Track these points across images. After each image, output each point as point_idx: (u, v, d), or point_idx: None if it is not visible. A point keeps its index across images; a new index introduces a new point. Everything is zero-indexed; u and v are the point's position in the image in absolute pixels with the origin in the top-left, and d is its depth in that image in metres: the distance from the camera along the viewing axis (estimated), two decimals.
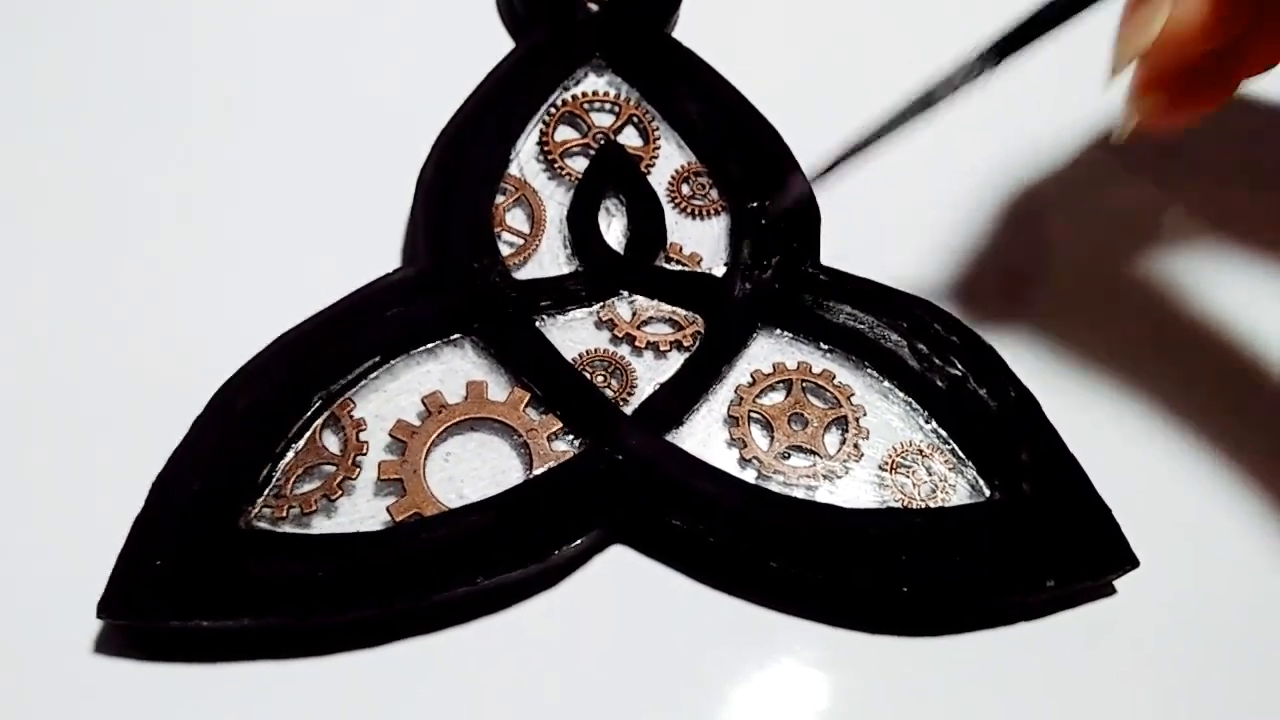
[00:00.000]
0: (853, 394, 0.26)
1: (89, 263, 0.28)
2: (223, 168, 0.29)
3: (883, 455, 0.25)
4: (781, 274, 0.27)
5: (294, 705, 0.22)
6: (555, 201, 0.29)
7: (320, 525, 0.23)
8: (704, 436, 0.25)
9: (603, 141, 0.30)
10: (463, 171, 0.28)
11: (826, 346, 0.27)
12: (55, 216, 0.28)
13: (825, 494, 0.25)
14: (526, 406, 0.25)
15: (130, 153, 0.30)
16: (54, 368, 0.26)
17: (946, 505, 0.24)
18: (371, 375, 0.25)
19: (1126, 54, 0.23)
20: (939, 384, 0.26)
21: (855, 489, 0.25)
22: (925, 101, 0.23)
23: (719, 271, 0.28)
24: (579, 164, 0.30)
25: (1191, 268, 0.29)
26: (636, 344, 0.26)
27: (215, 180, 0.29)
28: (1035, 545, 0.24)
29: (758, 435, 0.25)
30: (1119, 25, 0.23)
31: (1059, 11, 0.22)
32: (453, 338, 0.26)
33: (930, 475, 0.25)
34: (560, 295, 0.27)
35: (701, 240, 0.29)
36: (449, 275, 0.27)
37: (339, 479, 0.24)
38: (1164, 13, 0.22)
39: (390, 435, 0.25)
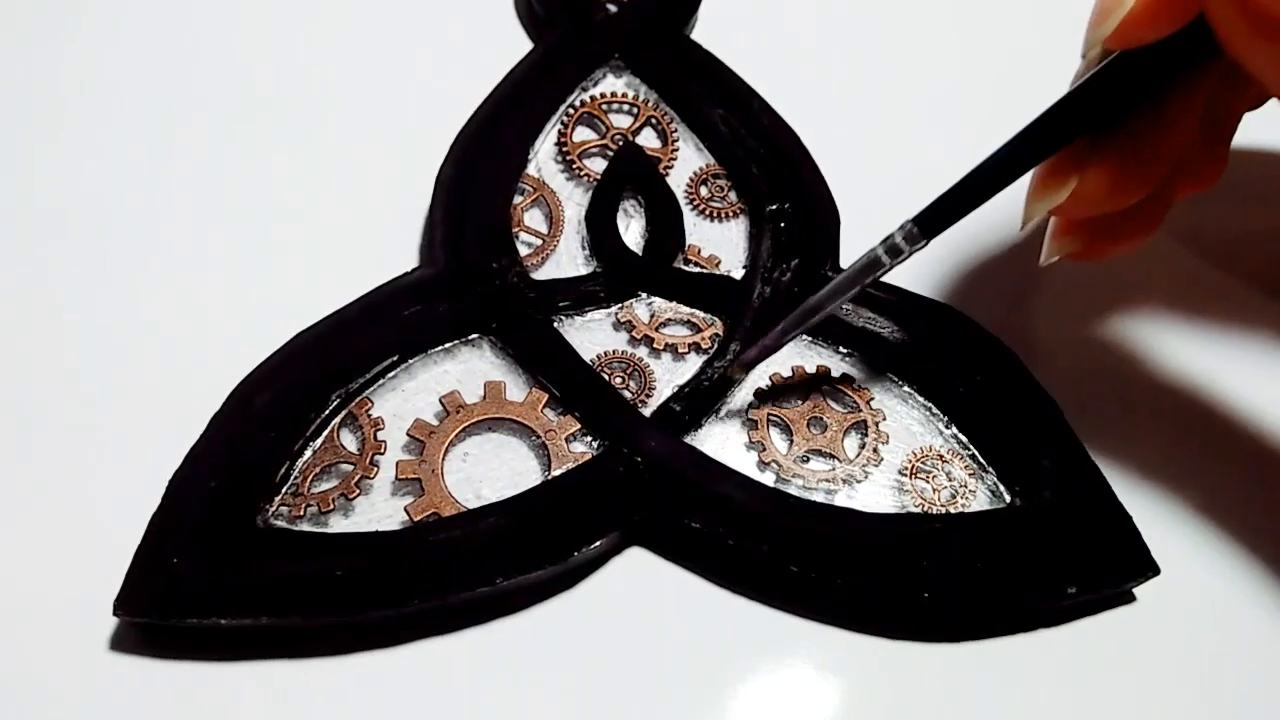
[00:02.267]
0: (872, 398, 0.26)
1: (105, 260, 0.27)
2: (240, 167, 0.29)
3: (902, 460, 0.25)
4: (801, 277, 0.27)
5: (310, 704, 0.22)
6: (573, 202, 0.29)
7: (338, 524, 0.23)
8: (722, 439, 0.25)
9: (621, 142, 0.30)
10: (481, 171, 0.28)
11: (846, 350, 0.27)
12: (75, 216, 0.28)
13: (844, 498, 0.24)
14: (545, 407, 0.25)
15: (149, 152, 0.30)
16: (71, 365, 0.26)
17: (967, 511, 0.24)
18: (389, 374, 0.25)
19: (1036, 211, 0.22)
20: (959, 389, 0.26)
21: (875, 494, 0.25)
22: (863, 274, 0.23)
23: (738, 274, 0.28)
24: (597, 165, 0.30)
25: (1214, 270, 0.29)
26: (655, 345, 0.26)
27: (233, 179, 0.29)
28: (1056, 552, 0.24)
29: (777, 439, 0.25)
30: (1029, 187, 0.22)
31: (984, 185, 0.22)
32: (471, 338, 0.26)
33: (950, 481, 0.25)
34: (578, 296, 0.27)
35: (720, 242, 0.28)
36: (467, 275, 0.27)
37: (357, 478, 0.24)
38: (1070, 186, 0.21)
39: (408, 435, 0.24)
